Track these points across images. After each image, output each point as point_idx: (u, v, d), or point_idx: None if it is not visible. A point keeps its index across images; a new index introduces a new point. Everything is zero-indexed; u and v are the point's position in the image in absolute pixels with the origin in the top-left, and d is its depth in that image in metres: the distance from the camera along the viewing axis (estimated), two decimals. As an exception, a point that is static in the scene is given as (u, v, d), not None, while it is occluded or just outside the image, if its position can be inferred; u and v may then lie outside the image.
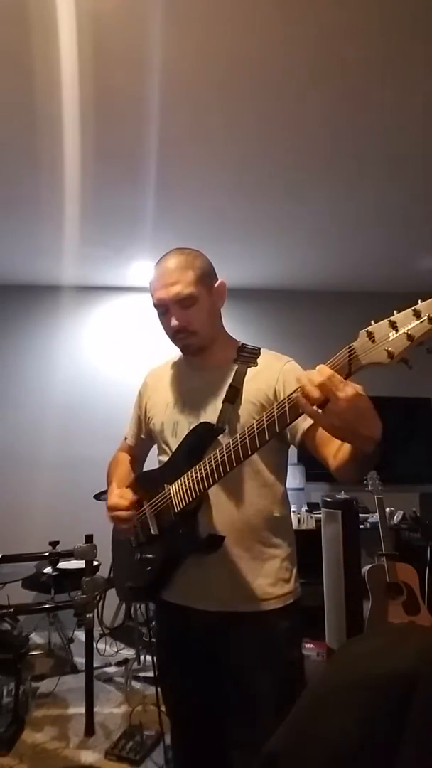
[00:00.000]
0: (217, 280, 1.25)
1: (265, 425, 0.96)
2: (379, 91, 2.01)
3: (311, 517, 3.47)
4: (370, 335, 0.78)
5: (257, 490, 1.19)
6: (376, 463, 0.98)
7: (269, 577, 1.17)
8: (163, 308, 1.21)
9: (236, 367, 1.23)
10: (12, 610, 2.38)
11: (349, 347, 0.82)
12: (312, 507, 3.64)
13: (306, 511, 3.63)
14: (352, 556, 2.63)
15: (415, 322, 0.73)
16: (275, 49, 1.79)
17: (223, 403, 1.18)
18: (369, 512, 3.57)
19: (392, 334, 0.75)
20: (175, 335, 1.23)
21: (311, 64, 1.86)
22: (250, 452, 1.00)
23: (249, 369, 1.22)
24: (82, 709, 2.37)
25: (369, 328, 0.79)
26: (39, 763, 2.14)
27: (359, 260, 3.74)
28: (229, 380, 1.21)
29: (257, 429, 0.97)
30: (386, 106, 2.08)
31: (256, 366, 1.23)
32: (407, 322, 0.74)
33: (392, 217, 3.07)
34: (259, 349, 1.29)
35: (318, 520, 3.17)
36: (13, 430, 3.96)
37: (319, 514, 3.06)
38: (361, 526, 3.34)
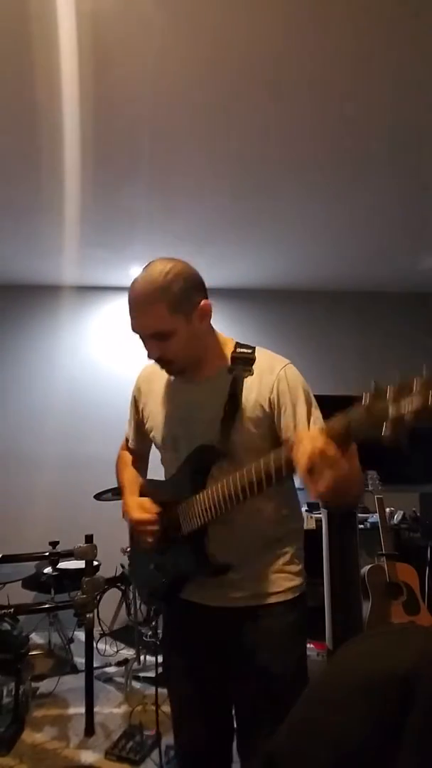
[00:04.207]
0: (200, 299, 1.14)
1: (262, 474, 0.98)
2: (377, 90, 2.01)
3: (311, 517, 3.47)
4: (369, 408, 0.74)
5: (263, 500, 1.17)
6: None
7: (279, 572, 1.19)
8: (139, 336, 1.17)
9: (231, 377, 1.18)
10: (12, 610, 2.37)
11: (347, 416, 0.80)
12: (312, 507, 3.64)
13: (306, 511, 3.63)
14: (352, 556, 2.63)
15: (417, 400, 0.67)
16: (273, 49, 1.79)
17: (222, 422, 1.15)
18: (369, 512, 3.57)
19: (392, 410, 0.70)
20: (155, 361, 1.20)
21: (310, 64, 1.86)
22: (255, 492, 1.02)
23: (245, 379, 1.18)
24: (82, 709, 2.37)
25: (367, 402, 0.74)
26: (39, 763, 2.14)
27: (358, 260, 3.73)
28: (226, 391, 1.17)
29: (255, 474, 0.99)
30: (385, 104, 2.08)
31: (252, 374, 1.18)
32: (407, 396, 0.68)
33: (391, 217, 3.07)
34: (254, 351, 1.23)
35: (318, 520, 3.16)
36: (14, 430, 3.97)
37: (319, 514, 3.06)
38: (361, 526, 3.34)
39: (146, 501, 1.26)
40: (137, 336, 1.18)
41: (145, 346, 1.17)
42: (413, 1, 1.61)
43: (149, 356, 1.18)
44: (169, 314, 1.09)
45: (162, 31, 1.71)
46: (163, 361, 1.18)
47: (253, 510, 1.16)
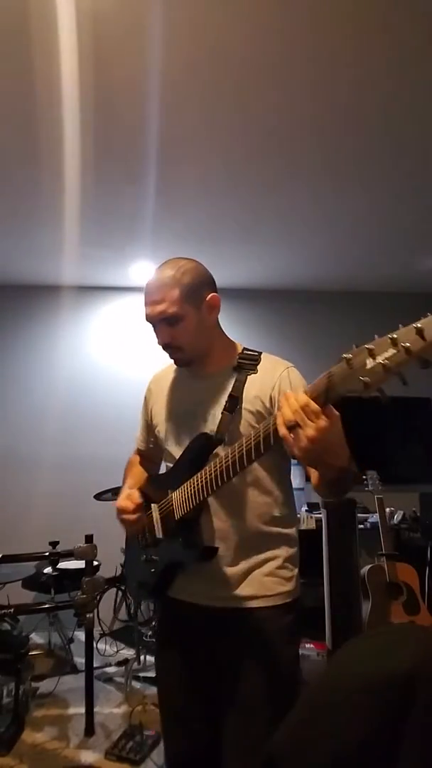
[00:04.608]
0: (210, 292, 1.22)
1: (252, 444, 0.98)
2: (379, 90, 2.01)
3: (311, 517, 3.47)
4: (349, 362, 0.76)
5: (258, 495, 1.21)
6: (347, 488, 1.04)
7: (269, 575, 1.19)
8: (151, 323, 1.23)
9: (236, 375, 1.24)
10: (12, 610, 2.37)
11: (329, 373, 0.82)
12: (312, 507, 3.64)
13: (306, 511, 3.63)
14: (352, 556, 2.63)
15: (391, 351, 0.70)
16: (275, 48, 1.79)
17: (222, 412, 1.19)
18: (369, 512, 3.57)
19: (369, 362, 0.73)
20: (163, 349, 1.26)
21: (311, 64, 1.87)
22: (244, 466, 1.02)
23: (248, 377, 1.23)
24: (82, 709, 2.37)
25: (347, 354, 0.77)
26: (39, 763, 2.14)
27: (359, 260, 3.74)
28: (229, 389, 1.21)
29: (245, 447, 0.99)
30: (387, 105, 2.09)
31: (256, 373, 1.23)
32: (384, 351, 0.71)
33: (392, 217, 3.07)
34: (260, 354, 1.28)
35: (318, 520, 3.17)
36: (14, 430, 3.97)
37: (319, 514, 3.06)
38: (361, 526, 3.34)
39: (134, 492, 1.28)
40: (147, 327, 1.23)
41: (156, 333, 1.23)
42: (417, 2, 1.62)
43: (159, 342, 1.23)
44: (180, 299, 1.17)
45: (162, 31, 1.71)
46: (172, 348, 1.23)
47: (246, 503, 1.19)
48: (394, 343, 0.70)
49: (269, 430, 0.94)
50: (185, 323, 1.19)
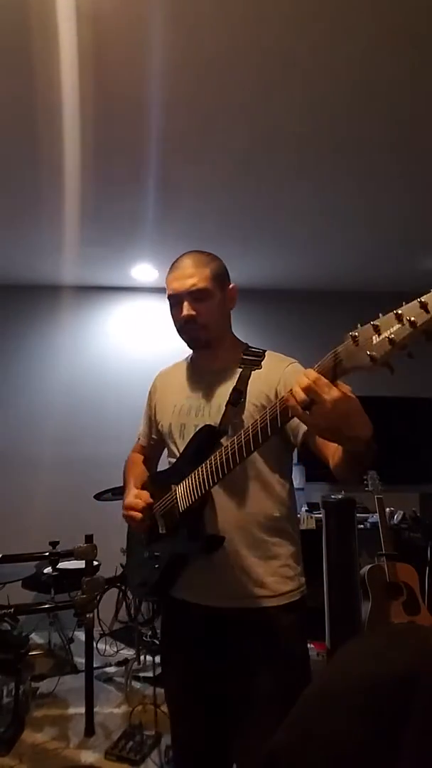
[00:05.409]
0: (230, 284, 1.30)
1: (258, 428, 0.98)
2: (381, 91, 2.00)
3: (311, 517, 3.47)
4: (354, 339, 0.77)
5: (259, 491, 1.21)
6: (370, 463, 1.00)
7: (273, 575, 1.19)
8: (176, 299, 1.25)
9: (240, 370, 1.26)
10: (12, 610, 2.37)
11: (334, 351, 0.82)
12: (312, 507, 3.64)
13: (306, 511, 3.63)
14: (352, 556, 2.63)
15: (396, 326, 0.71)
16: (275, 47, 1.79)
17: (226, 405, 1.21)
18: (369, 512, 3.57)
19: (375, 338, 0.74)
20: (183, 326, 1.26)
21: (313, 63, 1.86)
22: (250, 451, 1.02)
23: (253, 372, 1.25)
24: (82, 709, 2.37)
25: (353, 332, 0.78)
26: (39, 763, 2.14)
27: (359, 260, 3.74)
28: (234, 383, 1.24)
29: (251, 432, 1.00)
30: (388, 105, 2.08)
31: (260, 368, 1.26)
32: (389, 326, 0.72)
33: (393, 217, 3.07)
34: (264, 351, 1.31)
35: (318, 520, 3.17)
36: (13, 430, 3.97)
37: (319, 514, 3.06)
38: (361, 526, 3.34)
39: (144, 493, 1.30)
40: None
41: (178, 310, 1.24)
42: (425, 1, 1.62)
43: (182, 316, 1.24)
44: (210, 278, 1.24)
45: (162, 31, 1.71)
46: (195, 324, 1.24)
47: (249, 500, 1.19)
48: (399, 318, 0.71)
49: (276, 413, 0.94)
50: (211, 301, 1.24)
